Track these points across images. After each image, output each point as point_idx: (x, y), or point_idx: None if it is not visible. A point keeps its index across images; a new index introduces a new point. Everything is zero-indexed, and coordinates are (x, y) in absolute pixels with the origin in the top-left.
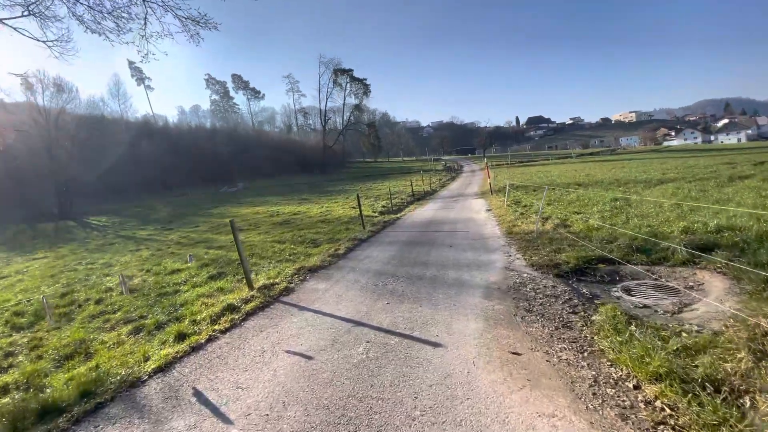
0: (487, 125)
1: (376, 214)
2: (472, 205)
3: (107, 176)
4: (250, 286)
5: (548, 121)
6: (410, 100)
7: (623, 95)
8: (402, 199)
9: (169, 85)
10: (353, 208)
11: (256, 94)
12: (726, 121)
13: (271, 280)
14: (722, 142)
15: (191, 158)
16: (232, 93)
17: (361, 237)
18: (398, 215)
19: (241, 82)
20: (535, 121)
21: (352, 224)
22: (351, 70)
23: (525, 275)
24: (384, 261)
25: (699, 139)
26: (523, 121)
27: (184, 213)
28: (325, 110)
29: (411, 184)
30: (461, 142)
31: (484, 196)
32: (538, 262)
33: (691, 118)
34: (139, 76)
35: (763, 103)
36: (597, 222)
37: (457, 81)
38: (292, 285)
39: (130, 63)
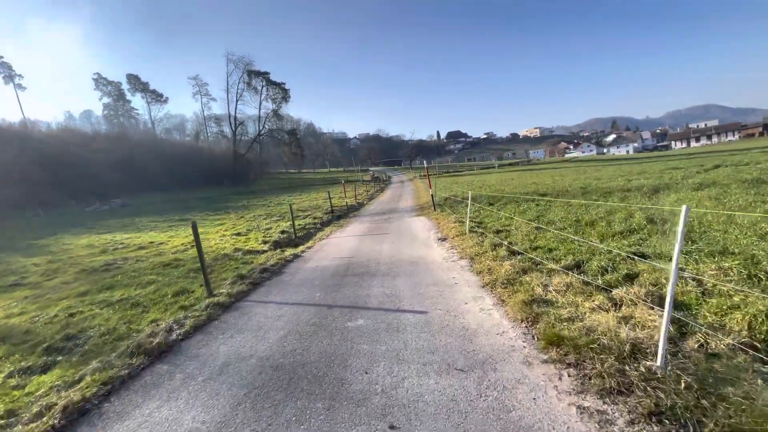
0: (412, 138)
1: (266, 247)
2: (412, 228)
3: None
4: None
5: (465, 135)
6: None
7: (528, 113)
8: (316, 218)
9: (56, 87)
10: (238, 236)
11: (157, 97)
12: (614, 136)
13: None
14: (613, 153)
15: (59, 169)
16: (128, 96)
17: (174, 336)
18: (299, 249)
19: (138, 84)
20: (454, 135)
21: (211, 273)
22: (267, 73)
23: None
24: None
25: (594, 151)
26: (443, 135)
27: None
28: (235, 114)
29: (329, 198)
30: (387, 154)
31: (424, 213)
32: None
33: (584, 134)
34: (7, 73)
35: (641, 120)
36: None
37: (383, 96)
38: None
39: None
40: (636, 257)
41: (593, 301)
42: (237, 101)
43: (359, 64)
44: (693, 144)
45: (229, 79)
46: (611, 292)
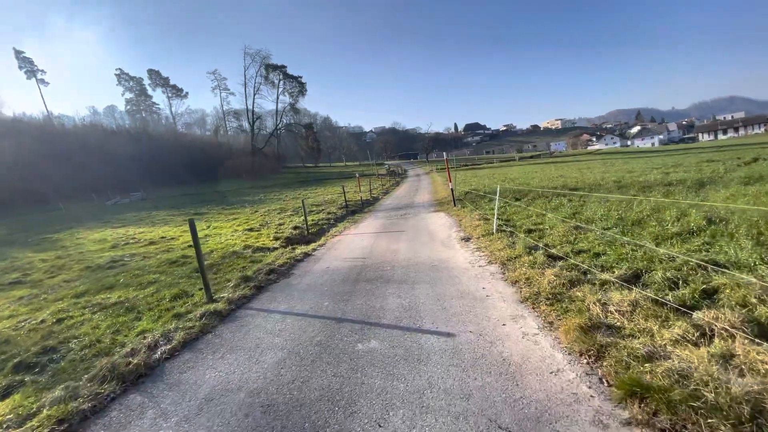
0: (429, 131)
1: (277, 244)
2: (430, 225)
3: None
4: None
5: (484, 127)
6: (353, 107)
7: (549, 104)
8: (330, 213)
9: (81, 82)
10: (250, 231)
11: (177, 92)
12: (639, 127)
13: None
14: (638, 146)
15: (81, 164)
16: (149, 91)
17: (158, 354)
18: (311, 247)
19: (159, 79)
20: (472, 128)
21: (216, 273)
22: (284, 66)
23: None
24: None
25: (618, 144)
26: (461, 127)
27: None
28: (253, 107)
29: (344, 193)
30: (403, 147)
31: (443, 209)
32: None
33: (607, 125)
34: (30, 68)
35: (666, 112)
36: None
37: (399, 89)
38: None
39: (18, 53)
40: (710, 266)
41: (672, 328)
42: (254, 95)
43: (377, 60)
44: (720, 136)
45: (247, 73)
46: (692, 315)
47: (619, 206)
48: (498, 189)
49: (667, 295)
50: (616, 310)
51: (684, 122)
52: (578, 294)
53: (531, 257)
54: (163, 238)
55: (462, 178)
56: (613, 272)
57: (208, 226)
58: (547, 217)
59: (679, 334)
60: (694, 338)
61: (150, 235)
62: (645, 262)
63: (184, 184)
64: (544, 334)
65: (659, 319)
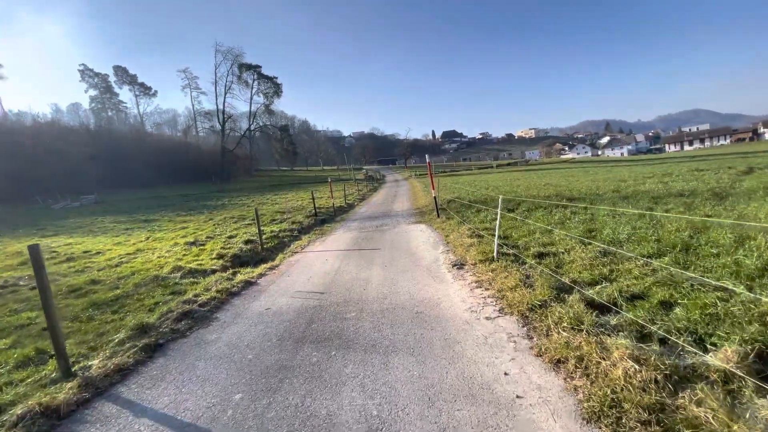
0: (407, 136)
1: (218, 265)
2: (411, 241)
3: None
4: None
5: (461, 135)
6: (332, 110)
7: (524, 114)
8: (295, 222)
9: (48, 79)
10: (192, 245)
11: (146, 90)
12: (608, 138)
13: None
14: (608, 155)
15: (32, 164)
16: (116, 89)
17: None
18: (258, 270)
19: (126, 76)
20: (449, 135)
21: (122, 307)
22: (259, 66)
23: None
24: None
25: (589, 153)
26: (438, 134)
27: None
28: (224, 107)
29: (313, 199)
30: (382, 152)
31: (425, 220)
32: None
33: (579, 135)
34: None
35: (633, 123)
36: None
37: (379, 93)
38: None
39: None
40: None
41: None
42: (225, 94)
43: (355, 64)
44: (686, 147)
45: (218, 71)
46: None
47: (638, 222)
48: (501, 200)
49: None
50: None
51: (650, 133)
52: (697, 412)
53: (564, 307)
54: (86, 252)
55: (442, 184)
56: (719, 343)
57: (147, 238)
58: (556, 235)
59: None
60: None
61: (77, 247)
62: (759, 324)
63: (147, 187)
64: None
65: None
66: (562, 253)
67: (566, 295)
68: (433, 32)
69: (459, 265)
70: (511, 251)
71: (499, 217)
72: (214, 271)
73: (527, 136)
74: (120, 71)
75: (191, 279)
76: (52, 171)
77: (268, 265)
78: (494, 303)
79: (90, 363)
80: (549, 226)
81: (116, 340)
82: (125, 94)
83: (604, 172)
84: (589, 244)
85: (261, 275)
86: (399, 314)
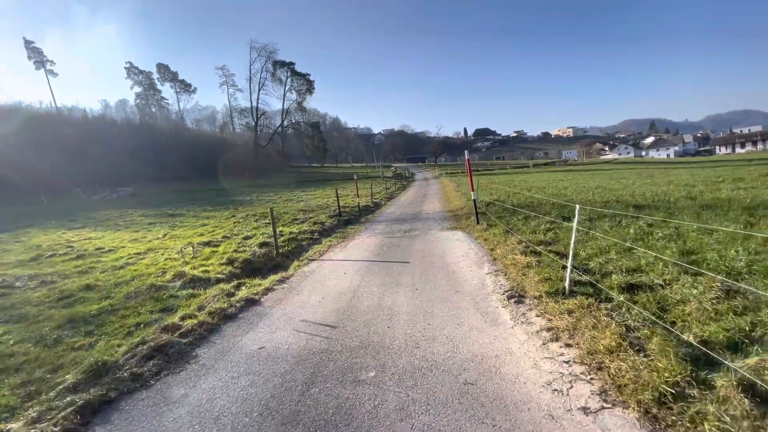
0: (438, 134)
1: (225, 272)
2: (447, 254)
3: None
4: None
5: (494, 133)
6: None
7: (560, 111)
8: (317, 223)
9: (99, 76)
10: (206, 246)
11: (186, 87)
12: (653, 138)
13: None
14: (652, 156)
15: (79, 155)
16: (158, 85)
17: None
18: (266, 283)
19: (168, 73)
20: (482, 133)
21: (97, 329)
22: (292, 63)
23: None
24: None
25: (631, 153)
26: (470, 132)
27: None
28: (258, 103)
29: (337, 198)
30: (412, 150)
31: (461, 226)
32: None
33: (620, 135)
34: (39, 59)
35: (679, 123)
36: None
37: (410, 91)
38: None
39: (27, 42)
40: None
41: None
42: (259, 90)
43: (388, 62)
44: (738, 150)
45: (252, 68)
46: None
47: (751, 244)
48: (578, 210)
49: None
50: None
51: (699, 134)
52: None
53: (714, 401)
54: (99, 249)
55: (477, 184)
56: None
57: (164, 235)
58: (640, 256)
59: None
60: None
61: (94, 242)
62: None
63: (183, 181)
64: None
65: None
66: (661, 286)
67: (704, 371)
68: (468, 32)
69: (517, 298)
70: (583, 277)
71: (575, 235)
72: (218, 281)
73: (564, 135)
74: (162, 68)
75: (190, 290)
76: (96, 164)
77: (279, 276)
78: (588, 376)
79: (8, 427)
80: (627, 243)
81: (60, 388)
82: (167, 91)
83: (660, 175)
84: (698, 274)
85: (268, 290)
86: (438, 383)
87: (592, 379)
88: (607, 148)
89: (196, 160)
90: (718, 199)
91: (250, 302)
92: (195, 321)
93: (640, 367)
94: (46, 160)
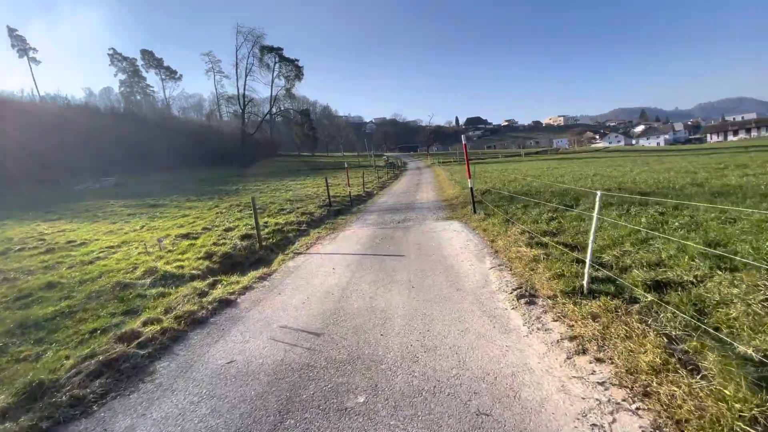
0: (430, 123)
1: (202, 267)
2: (445, 247)
3: None
4: None
5: (485, 122)
6: (353, 95)
7: (551, 100)
8: (306, 213)
9: (84, 64)
10: (184, 239)
11: (171, 74)
12: (643, 126)
13: None
14: (643, 145)
15: (61, 145)
16: (143, 72)
17: None
18: (246, 280)
19: (152, 60)
20: (473, 122)
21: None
22: (280, 49)
23: None
24: None
25: (622, 142)
26: (462, 121)
27: None
28: (244, 90)
29: (327, 187)
30: (404, 139)
31: (457, 215)
32: None
33: (610, 123)
34: (21, 47)
35: (670, 111)
36: None
37: (402, 79)
38: None
39: (11, 30)
40: None
41: None
42: (246, 77)
43: (379, 49)
44: (730, 137)
45: (239, 53)
46: None
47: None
48: (599, 196)
49: None
50: None
51: (690, 122)
52: None
53: None
54: (70, 242)
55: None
56: None
57: (141, 227)
58: (660, 247)
59: None
60: None
61: (68, 235)
62: None
63: (168, 170)
64: None
65: None
66: (692, 284)
67: None
68: (459, 18)
69: (528, 298)
70: (600, 272)
71: (595, 225)
72: (192, 278)
73: (555, 124)
74: (147, 55)
75: (161, 288)
76: (79, 153)
77: (260, 272)
78: (632, 404)
79: None
80: (644, 230)
81: None
82: (152, 78)
83: (656, 162)
84: (731, 269)
85: (246, 288)
86: (443, 413)
87: (638, 409)
88: (597, 137)
89: (182, 149)
90: (728, 186)
91: (225, 303)
92: (158, 327)
93: (700, 394)
94: (27, 150)
